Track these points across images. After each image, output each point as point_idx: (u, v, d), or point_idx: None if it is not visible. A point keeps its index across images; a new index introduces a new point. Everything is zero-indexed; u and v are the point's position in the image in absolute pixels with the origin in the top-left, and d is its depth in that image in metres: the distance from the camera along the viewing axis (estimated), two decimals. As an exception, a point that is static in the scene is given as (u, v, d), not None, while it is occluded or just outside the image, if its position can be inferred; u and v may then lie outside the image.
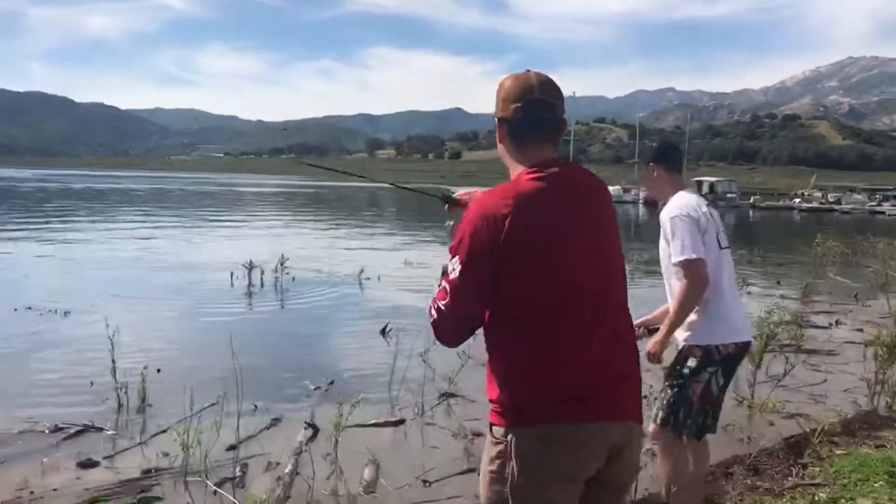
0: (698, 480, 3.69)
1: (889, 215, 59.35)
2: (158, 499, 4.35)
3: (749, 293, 11.89)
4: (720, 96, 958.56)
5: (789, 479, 4.46)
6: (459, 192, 2.64)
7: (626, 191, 66.02)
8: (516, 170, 2.13)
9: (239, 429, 5.27)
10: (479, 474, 2.11)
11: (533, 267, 1.98)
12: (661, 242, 3.64)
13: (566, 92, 2.28)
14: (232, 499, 4.30)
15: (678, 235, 3.46)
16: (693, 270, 3.40)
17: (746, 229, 39.60)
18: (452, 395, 6.38)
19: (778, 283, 14.64)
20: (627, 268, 2.33)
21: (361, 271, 13.52)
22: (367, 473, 4.67)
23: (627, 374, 2.12)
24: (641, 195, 60.88)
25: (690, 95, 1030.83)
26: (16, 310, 9.80)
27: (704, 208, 3.60)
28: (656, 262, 3.86)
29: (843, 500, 4.02)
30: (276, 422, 5.69)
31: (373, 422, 5.64)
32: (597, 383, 2.01)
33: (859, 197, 74.87)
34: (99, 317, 9.50)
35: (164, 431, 5.39)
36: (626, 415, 2.07)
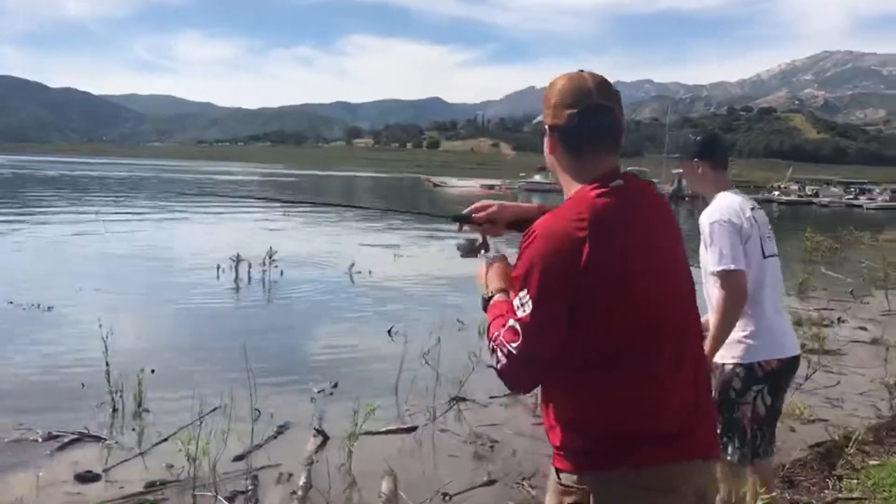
0: None
1: (867, 209, 59.95)
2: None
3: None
4: (697, 88, 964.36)
5: (826, 491, 4.31)
6: (473, 205, 2.41)
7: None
8: (572, 185, 1.90)
9: (245, 437, 5.04)
10: None
11: (615, 299, 1.75)
12: (701, 247, 3.40)
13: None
14: (246, 515, 4.07)
15: (716, 243, 3.21)
16: (731, 282, 3.16)
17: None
18: (462, 400, 6.14)
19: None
20: None
21: (352, 265, 13.22)
22: (385, 486, 4.43)
23: (708, 409, 1.95)
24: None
25: (667, 87, 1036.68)
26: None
27: (749, 212, 3.33)
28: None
29: (886, 515, 3.87)
30: (282, 429, 5.41)
31: (384, 429, 5.39)
32: (683, 422, 1.82)
33: (836, 190, 75.61)
34: (84, 312, 9.22)
35: (165, 440, 5.13)
36: (709, 452, 1.90)
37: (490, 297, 2.03)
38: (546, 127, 1.95)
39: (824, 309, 10.93)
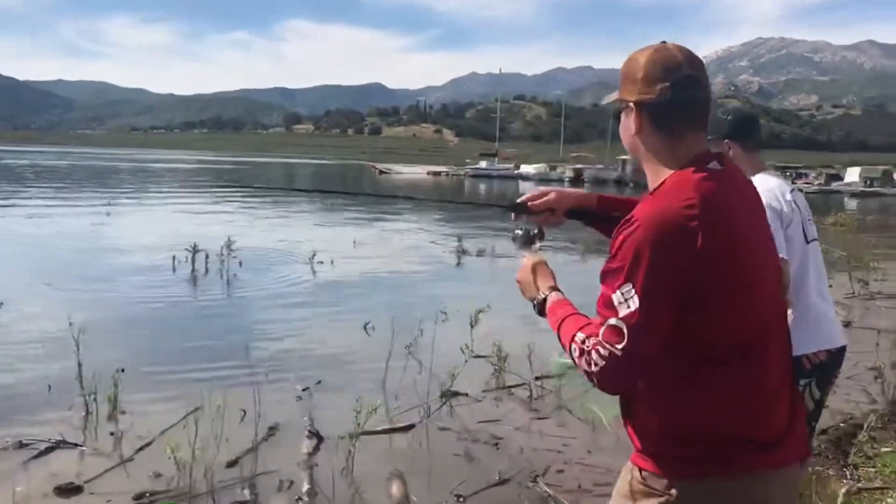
0: None
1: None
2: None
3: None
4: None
5: (844, 481, 4.23)
6: (529, 193, 2.24)
7: (551, 168, 66.32)
8: (659, 168, 1.74)
9: (234, 440, 4.73)
10: None
11: (731, 292, 1.61)
12: None
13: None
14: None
15: None
16: None
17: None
18: (455, 394, 5.92)
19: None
20: None
21: (314, 255, 12.83)
22: (395, 490, 4.21)
23: (801, 408, 1.85)
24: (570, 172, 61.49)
25: (608, 73, 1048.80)
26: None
27: (789, 195, 3.19)
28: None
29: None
30: (273, 430, 5.10)
31: (381, 428, 5.13)
32: (784, 427, 1.69)
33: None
34: (37, 309, 8.72)
35: (148, 444, 4.80)
36: (806, 454, 1.78)
37: (545, 298, 1.88)
38: (631, 104, 1.77)
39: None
